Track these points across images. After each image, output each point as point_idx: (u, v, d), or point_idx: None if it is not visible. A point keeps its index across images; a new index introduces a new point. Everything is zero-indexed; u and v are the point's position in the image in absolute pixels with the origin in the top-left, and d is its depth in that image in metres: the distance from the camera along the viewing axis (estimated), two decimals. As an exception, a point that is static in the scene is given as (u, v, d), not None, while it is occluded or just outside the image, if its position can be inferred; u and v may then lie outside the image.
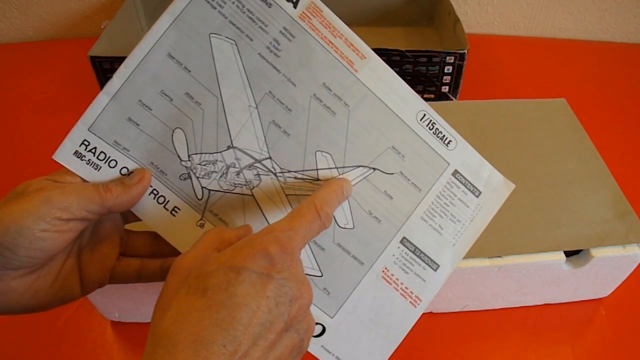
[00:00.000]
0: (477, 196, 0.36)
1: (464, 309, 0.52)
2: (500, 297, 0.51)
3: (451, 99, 0.77)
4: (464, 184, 0.36)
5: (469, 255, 0.45)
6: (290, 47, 0.31)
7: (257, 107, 0.31)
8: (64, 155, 0.31)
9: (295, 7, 0.31)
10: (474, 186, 0.36)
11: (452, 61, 0.73)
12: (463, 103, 0.63)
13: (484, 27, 0.99)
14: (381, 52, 0.73)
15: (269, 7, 0.30)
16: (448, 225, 0.35)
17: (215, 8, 0.29)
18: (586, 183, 0.51)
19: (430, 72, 0.74)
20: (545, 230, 0.47)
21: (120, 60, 0.75)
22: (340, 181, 0.31)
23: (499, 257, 0.45)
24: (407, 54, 0.72)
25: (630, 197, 0.50)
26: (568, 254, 0.46)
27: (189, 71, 0.30)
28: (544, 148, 0.55)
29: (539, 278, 0.48)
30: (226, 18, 0.30)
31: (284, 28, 0.31)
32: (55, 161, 0.31)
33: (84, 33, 0.98)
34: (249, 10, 0.30)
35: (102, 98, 0.31)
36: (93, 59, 0.72)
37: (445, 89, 0.76)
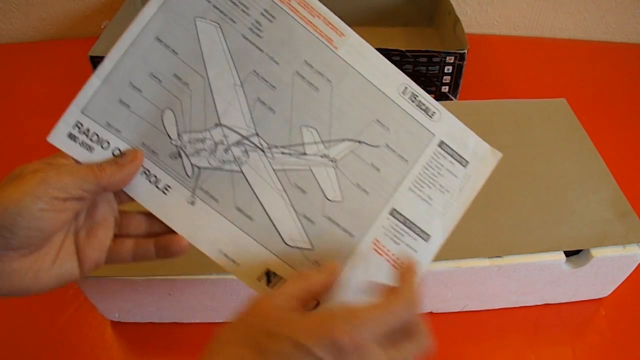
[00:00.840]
0: (465, 166, 0.36)
1: (464, 309, 0.52)
2: (500, 297, 0.51)
3: (451, 99, 0.77)
4: (450, 155, 0.36)
5: (469, 255, 0.45)
6: (271, 27, 0.33)
7: (242, 86, 0.33)
8: (57, 137, 0.32)
9: None
10: (460, 156, 0.36)
11: (452, 61, 0.73)
12: (463, 103, 0.63)
13: (484, 27, 0.99)
14: (381, 52, 0.73)
15: None
16: (437, 196, 0.36)
17: None
18: (586, 183, 0.51)
19: (430, 72, 0.74)
20: (545, 230, 0.47)
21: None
22: (412, 268, 0.32)
23: (499, 257, 0.45)
24: (407, 54, 0.72)
25: (630, 197, 0.50)
26: (568, 254, 0.46)
27: (176, 53, 0.32)
28: (544, 148, 0.55)
29: (539, 278, 0.48)
30: (210, 2, 0.32)
31: (265, 10, 0.32)
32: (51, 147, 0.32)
33: (84, 33, 0.98)
34: None
35: (94, 81, 0.32)
36: (93, 59, 0.72)
37: (445, 89, 0.76)
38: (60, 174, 0.28)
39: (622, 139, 0.73)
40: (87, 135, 0.32)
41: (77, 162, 0.32)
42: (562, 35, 0.99)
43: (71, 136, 0.32)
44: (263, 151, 0.34)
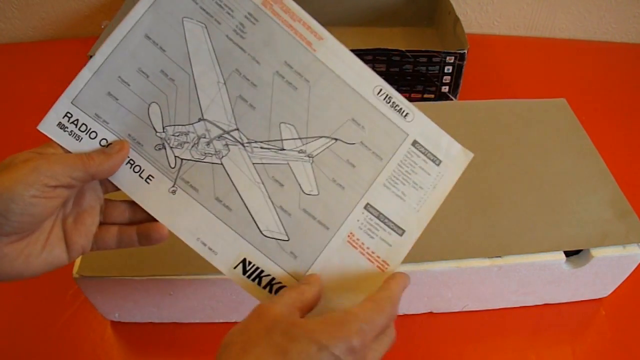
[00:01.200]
0: (438, 165, 0.38)
1: (464, 309, 0.52)
2: (500, 297, 0.51)
3: (451, 99, 0.77)
4: (424, 153, 0.37)
5: (469, 255, 0.45)
6: (254, 29, 0.35)
7: (225, 83, 0.35)
8: (48, 126, 0.33)
9: None
10: (434, 155, 0.38)
11: (452, 61, 0.73)
12: (463, 103, 0.63)
13: (484, 27, 0.99)
14: (381, 52, 0.73)
15: None
16: (411, 192, 0.37)
17: None
18: (586, 183, 0.51)
19: (430, 72, 0.74)
20: (545, 230, 0.47)
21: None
22: (403, 275, 0.35)
23: (499, 257, 0.46)
24: (407, 54, 0.72)
25: (630, 197, 0.50)
26: (568, 254, 0.46)
27: (164, 51, 0.34)
28: (544, 148, 0.55)
29: (539, 278, 0.48)
30: (197, 4, 0.34)
31: (249, 13, 0.34)
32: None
33: (84, 33, 0.98)
34: None
35: (85, 73, 0.33)
36: (93, 59, 0.72)
37: (445, 89, 0.76)
38: (51, 162, 0.30)
39: (622, 139, 0.73)
40: (76, 125, 0.33)
41: (66, 151, 0.33)
42: (562, 35, 0.99)
43: (61, 125, 0.33)
44: (243, 145, 0.35)
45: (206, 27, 0.34)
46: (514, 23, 0.98)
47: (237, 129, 0.35)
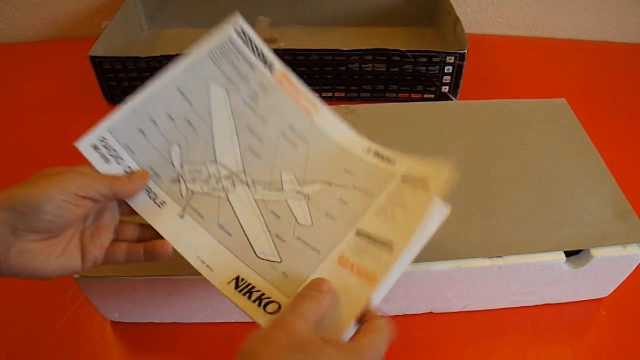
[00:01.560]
0: (425, 191, 0.39)
1: (464, 309, 0.52)
2: (500, 297, 0.51)
3: (451, 99, 0.77)
4: (412, 185, 0.40)
5: (469, 255, 0.45)
6: (265, 97, 0.42)
7: (237, 136, 0.41)
8: (84, 144, 0.37)
9: (270, 72, 0.42)
10: (421, 185, 0.40)
11: (452, 61, 0.73)
12: (463, 103, 0.63)
13: (484, 27, 0.99)
14: (381, 52, 0.73)
15: (252, 70, 0.42)
16: (401, 214, 0.39)
17: (216, 65, 0.41)
18: (586, 183, 0.51)
19: (430, 72, 0.75)
20: (545, 230, 0.47)
21: (120, 60, 0.75)
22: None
23: (499, 257, 0.46)
24: (407, 54, 0.72)
25: (630, 197, 0.50)
26: (568, 254, 0.46)
27: (191, 104, 0.40)
28: (544, 148, 0.55)
29: (539, 278, 0.48)
30: (222, 73, 0.41)
31: (261, 83, 0.42)
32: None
33: (84, 33, 0.98)
34: (238, 70, 0.41)
35: (125, 109, 0.38)
36: (93, 59, 0.72)
37: (445, 89, 0.77)
38: (83, 176, 0.34)
39: (622, 139, 0.73)
40: (107, 149, 0.38)
41: (94, 171, 0.37)
42: (562, 35, 0.99)
43: (94, 146, 0.37)
44: (247, 185, 0.41)
45: (227, 91, 0.41)
46: (514, 23, 0.98)
47: (244, 172, 0.41)
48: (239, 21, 0.41)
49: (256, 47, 0.42)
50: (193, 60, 0.40)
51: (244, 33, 0.41)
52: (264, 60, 0.42)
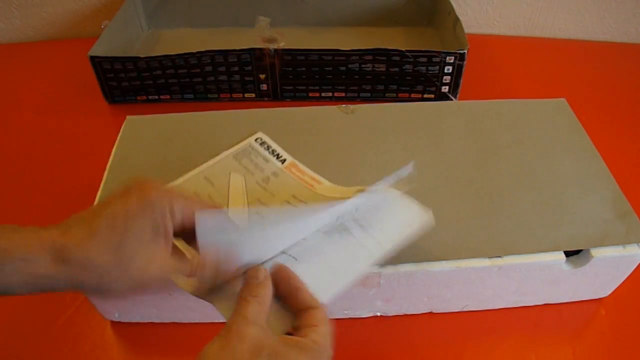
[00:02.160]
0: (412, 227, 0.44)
1: (464, 309, 0.52)
2: (500, 297, 0.51)
3: (451, 99, 0.77)
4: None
5: (469, 255, 0.45)
6: (276, 181, 0.50)
7: (247, 205, 0.48)
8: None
9: (282, 163, 0.52)
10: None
11: (452, 61, 0.73)
12: (463, 103, 0.63)
13: (484, 27, 0.99)
14: (381, 52, 0.73)
15: (267, 162, 0.52)
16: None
17: (237, 161, 0.52)
18: (586, 183, 0.51)
19: (430, 72, 0.74)
20: (545, 230, 0.47)
21: (120, 60, 0.75)
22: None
23: (499, 257, 0.46)
24: (407, 54, 0.72)
25: (630, 197, 0.50)
26: (568, 254, 0.46)
27: (213, 184, 0.50)
28: (544, 148, 0.55)
29: (539, 278, 0.48)
30: (242, 165, 0.52)
31: (274, 172, 0.51)
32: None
33: (84, 33, 0.98)
34: (255, 162, 0.52)
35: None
36: (93, 59, 0.72)
37: (445, 89, 0.77)
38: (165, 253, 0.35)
39: (622, 139, 0.73)
40: None
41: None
42: (562, 35, 0.99)
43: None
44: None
45: (244, 177, 0.50)
46: (514, 23, 0.98)
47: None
48: (259, 135, 0.55)
49: (273, 150, 0.54)
50: (223, 157, 0.53)
51: (262, 142, 0.55)
52: (277, 156, 0.53)
